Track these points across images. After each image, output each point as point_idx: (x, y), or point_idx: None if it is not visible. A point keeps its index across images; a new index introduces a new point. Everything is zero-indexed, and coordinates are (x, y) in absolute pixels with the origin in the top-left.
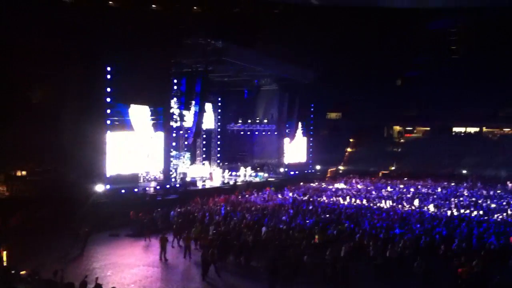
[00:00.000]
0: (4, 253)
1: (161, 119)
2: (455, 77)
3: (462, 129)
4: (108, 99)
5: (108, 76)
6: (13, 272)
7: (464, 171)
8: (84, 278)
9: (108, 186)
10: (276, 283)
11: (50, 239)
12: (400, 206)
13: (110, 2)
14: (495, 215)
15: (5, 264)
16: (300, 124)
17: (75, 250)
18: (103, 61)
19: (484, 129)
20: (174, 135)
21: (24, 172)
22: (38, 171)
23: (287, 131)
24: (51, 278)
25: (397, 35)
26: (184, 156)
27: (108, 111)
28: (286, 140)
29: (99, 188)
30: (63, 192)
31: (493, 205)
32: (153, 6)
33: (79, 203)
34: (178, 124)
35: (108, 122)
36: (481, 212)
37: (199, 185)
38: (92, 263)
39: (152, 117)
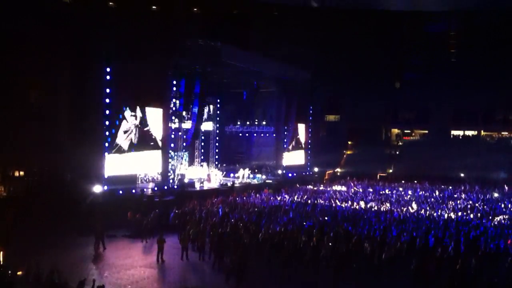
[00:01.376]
0: (0, 253)
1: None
2: (453, 79)
3: (460, 132)
4: (107, 100)
5: (107, 77)
6: (9, 272)
7: (462, 174)
8: (82, 280)
9: (105, 187)
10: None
11: (46, 239)
12: (397, 208)
13: (110, 3)
14: (492, 218)
15: (1, 263)
16: (298, 126)
17: (96, 248)
18: (103, 61)
19: (482, 132)
20: (172, 136)
21: (21, 173)
22: (36, 171)
23: (285, 133)
24: (47, 278)
25: (396, 38)
26: (182, 158)
27: (107, 111)
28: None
29: (97, 189)
30: (60, 192)
31: (490, 208)
32: (153, 7)
33: (77, 203)
34: (177, 125)
35: (107, 123)
36: (478, 215)
37: (197, 186)
38: (89, 264)
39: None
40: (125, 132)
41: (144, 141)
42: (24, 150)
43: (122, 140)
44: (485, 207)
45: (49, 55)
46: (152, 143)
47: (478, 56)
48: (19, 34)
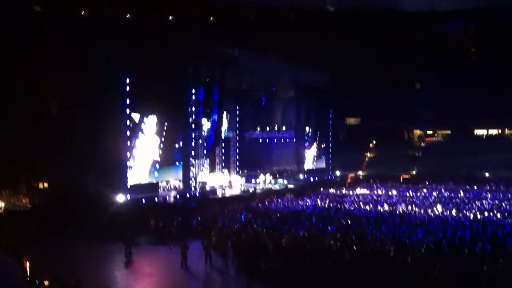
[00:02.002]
0: (27, 264)
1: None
2: (475, 78)
3: (483, 132)
4: (128, 110)
5: (127, 88)
6: (37, 282)
7: (487, 174)
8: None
9: (128, 196)
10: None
11: (71, 249)
12: (421, 210)
13: (128, 15)
14: None
15: (28, 274)
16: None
17: (128, 255)
18: (122, 72)
19: (506, 130)
20: (193, 144)
21: (45, 184)
22: (59, 183)
23: (305, 137)
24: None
25: (415, 38)
26: (203, 165)
27: (128, 122)
28: (305, 146)
29: (120, 198)
30: (84, 203)
31: None
32: (170, 17)
33: (100, 213)
34: (197, 133)
35: (128, 133)
36: (505, 214)
37: (219, 193)
38: (114, 271)
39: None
40: (145, 141)
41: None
42: (48, 162)
43: (144, 149)
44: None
45: (70, 68)
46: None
47: (498, 53)
48: (39, 48)
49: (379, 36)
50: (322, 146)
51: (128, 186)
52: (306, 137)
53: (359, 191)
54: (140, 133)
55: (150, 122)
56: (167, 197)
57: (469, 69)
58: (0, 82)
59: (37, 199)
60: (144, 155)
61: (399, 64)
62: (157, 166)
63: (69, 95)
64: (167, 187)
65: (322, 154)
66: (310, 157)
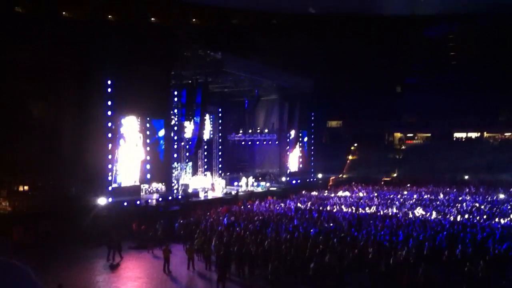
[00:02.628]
0: None
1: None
2: (455, 82)
3: (463, 135)
4: (109, 112)
5: (109, 90)
6: None
7: (466, 177)
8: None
9: (110, 199)
10: None
11: (52, 253)
12: (402, 212)
13: (109, 16)
14: (498, 220)
15: None
16: (301, 133)
17: (115, 259)
18: (103, 74)
19: (485, 134)
20: (175, 146)
21: (26, 187)
22: (40, 186)
23: (287, 140)
24: None
25: (396, 42)
26: (186, 168)
27: (109, 124)
28: (287, 149)
29: (101, 201)
30: (65, 206)
31: (495, 210)
32: (152, 19)
33: (82, 216)
34: (179, 135)
35: (109, 135)
36: (484, 217)
37: (201, 196)
38: (96, 276)
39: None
40: (127, 143)
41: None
42: (29, 165)
43: (125, 151)
44: (491, 208)
45: (51, 71)
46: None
47: (479, 58)
48: (20, 51)
49: (362, 40)
50: (304, 149)
51: (110, 189)
52: (288, 140)
53: (340, 193)
54: (122, 134)
55: (130, 122)
56: (150, 200)
57: (450, 73)
58: None
59: (18, 202)
60: (127, 156)
61: (381, 68)
62: (148, 166)
63: (51, 97)
64: (149, 190)
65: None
66: (293, 160)
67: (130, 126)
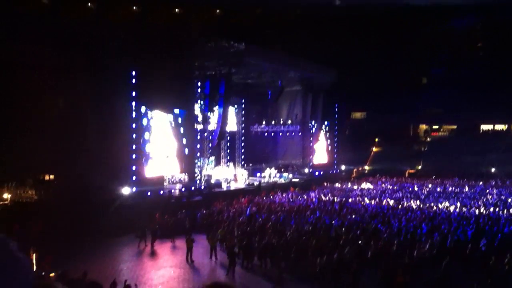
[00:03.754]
0: (34, 256)
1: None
2: (481, 74)
3: (490, 127)
4: (134, 103)
5: (133, 81)
6: (43, 274)
7: (492, 169)
8: (113, 280)
9: (134, 189)
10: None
11: (77, 242)
12: (427, 205)
13: (134, 8)
14: None
15: (35, 267)
16: (325, 124)
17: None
18: (128, 65)
19: None
20: (198, 137)
21: (52, 176)
22: (66, 175)
23: (311, 131)
24: (79, 281)
25: (422, 34)
26: (208, 164)
27: (134, 114)
28: (311, 140)
29: (126, 191)
30: (90, 195)
31: None
32: (176, 10)
33: (106, 206)
34: (202, 126)
35: (134, 125)
36: (511, 211)
37: (224, 186)
38: (120, 265)
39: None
40: (151, 134)
41: (170, 142)
42: (54, 155)
43: (149, 141)
44: None
45: (77, 63)
46: (178, 144)
47: (506, 50)
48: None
49: (387, 31)
50: (328, 141)
51: (134, 179)
52: (311, 132)
53: (364, 185)
54: (149, 126)
55: (158, 115)
56: (173, 190)
57: (476, 66)
58: (9, 81)
59: (43, 191)
60: (156, 147)
61: (407, 59)
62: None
63: (74, 88)
64: (173, 180)
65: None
66: (316, 152)
67: (158, 118)
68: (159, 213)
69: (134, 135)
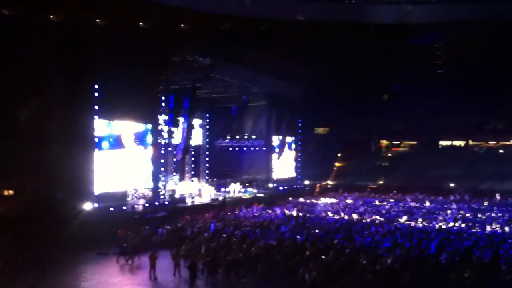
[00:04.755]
0: None
1: (145, 136)
2: (441, 90)
3: (449, 143)
4: (96, 117)
5: (96, 94)
6: None
7: (452, 184)
8: None
9: (96, 205)
10: None
11: (38, 258)
12: (388, 220)
13: (98, 20)
14: (484, 227)
15: None
16: (288, 139)
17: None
18: (90, 78)
19: (470, 142)
20: (162, 151)
21: (11, 192)
22: (25, 190)
23: (275, 146)
24: None
25: (384, 50)
26: (172, 179)
27: (95, 128)
28: (275, 156)
29: (87, 206)
30: (50, 211)
31: (481, 217)
32: (141, 23)
33: (67, 222)
34: (167, 141)
35: (96, 140)
36: (469, 225)
37: (188, 201)
38: (81, 283)
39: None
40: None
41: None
42: (14, 170)
43: (112, 156)
44: (476, 216)
45: (37, 74)
46: (141, 158)
47: (466, 67)
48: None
49: (350, 47)
50: (292, 155)
51: (96, 194)
52: (275, 146)
53: (327, 200)
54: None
55: (126, 127)
56: (136, 206)
57: (436, 81)
58: None
59: (2, 207)
60: (112, 162)
61: (369, 75)
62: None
63: (35, 101)
64: (136, 195)
65: (292, 163)
66: (280, 167)
67: (126, 130)
68: (122, 230)
69: (96, 149)
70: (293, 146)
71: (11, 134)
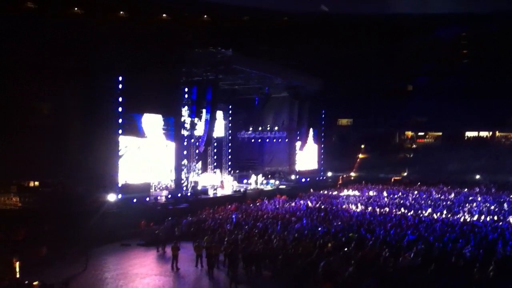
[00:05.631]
0: (17, 264)
1: (172, 128)
2: (467, 82)
3: (474, 134)
4: (120, 109)
5: (120, 86)
6: (26, 283)
7: (477, 176)
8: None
9: (119, 196)
10: None
11: (60, 251)
12: (412, 212)
13: (121, 13)
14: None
15: (18, 275)
16: (311, 131)
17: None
18: (115, 71)
19: (497, 133)
20: (185, 143)
21: (36, 183)
22: (50, 182)
23: (297, 138)
24: None
25: (408, 42)
26: (195, 170)
27: (120, 120)
28: (297, 147)
29: (111, 197)
30: (74, 203)
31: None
32: (163, 16)
33: (91, 213)
34: (189, 132)
35: (120, 131)
36: (495, 218)
37: (210, 193)
38: (104, 273)
39: (164, 126)
40: (137, 140)
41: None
42: (39, 161)
43: (135, 148)
44: (502, 210)
45: (62, 69)
46: (166, 150)
47: (490, 58)
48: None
49: (374, 39)
50: (315, 147)
51: (119, 185)
52: (298, 138)
53: (350, 192)
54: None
55: (145, 121)
56: (158, 197)
57: (460, 74)
58: None
59: (27, 198)
60: (136, 153)
61: (393, 67)
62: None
63: (60, 95)
64: (159, 187)
65: (315, 155)
66: (302, 158)
67: (153, 123)
68: (145, 221)
69: (120, 141)
70: (316, 137)
71: (37, 128)
